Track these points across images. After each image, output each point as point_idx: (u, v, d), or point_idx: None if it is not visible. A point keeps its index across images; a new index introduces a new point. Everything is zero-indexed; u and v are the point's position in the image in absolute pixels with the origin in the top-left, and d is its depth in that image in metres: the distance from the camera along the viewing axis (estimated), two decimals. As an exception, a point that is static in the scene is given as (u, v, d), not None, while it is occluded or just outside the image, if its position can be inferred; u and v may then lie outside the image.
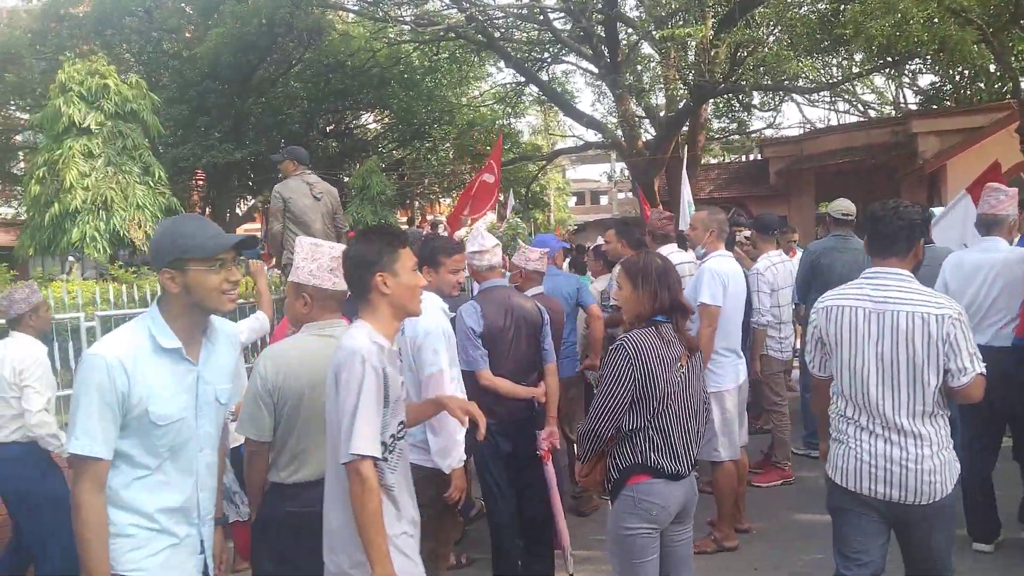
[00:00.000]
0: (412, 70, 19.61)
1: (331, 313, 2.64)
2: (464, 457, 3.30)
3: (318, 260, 2.60)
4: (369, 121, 24.28)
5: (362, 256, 2.28)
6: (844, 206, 5.89)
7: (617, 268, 5.44)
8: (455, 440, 3.18)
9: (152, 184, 11.27)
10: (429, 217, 22.67)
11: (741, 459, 4.45)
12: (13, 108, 18.05)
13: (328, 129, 21.62)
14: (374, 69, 18.16)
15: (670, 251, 5.12)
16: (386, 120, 22.79)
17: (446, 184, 23.39)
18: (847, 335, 2.73)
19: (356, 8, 17.55)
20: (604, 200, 55.31)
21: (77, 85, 10.87)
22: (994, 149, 13.08)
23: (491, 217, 12.34)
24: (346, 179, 18.21)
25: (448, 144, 22.00)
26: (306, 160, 6.48)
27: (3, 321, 4.08)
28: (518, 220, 10.66)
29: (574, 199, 51.51)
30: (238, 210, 20.63)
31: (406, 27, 16.72)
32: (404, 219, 19.64)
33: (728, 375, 4.33)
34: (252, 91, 16.63)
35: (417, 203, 25.63)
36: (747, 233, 6.41)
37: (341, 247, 2.67)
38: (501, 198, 13.20)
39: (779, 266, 5.55)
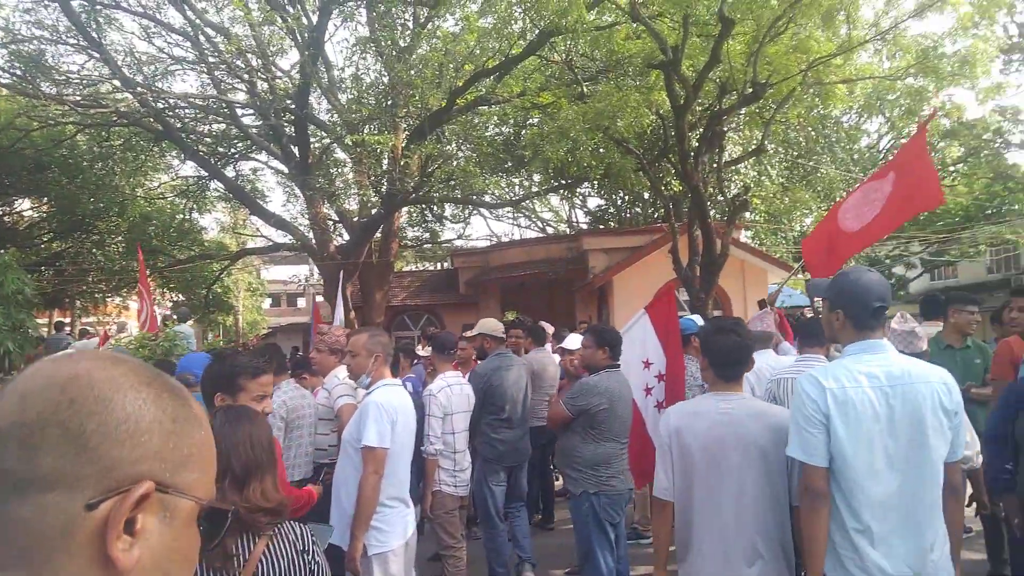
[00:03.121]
0: (77, 155, 17.47)
1: None
2: None
3: None
4: (25, 208, 21.16)
5: None
6: (496, 325, 6.06)
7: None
8: None
9: None
10: (85, 320, 20.02)
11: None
12: None
13: (-31, 216, 18.38)
14: (27, 150, 15.82)
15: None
16: (46, 208, 19.99)
17: (116, 282, 20.87)
18: None
19: (5, 81, 15.19)
20: (302, 303, 53.69)
21: None
22: (652, 266, 14.65)
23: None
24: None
25: (119, 238, 19.72)
26: None
27: None
28: (181, 328, 9.39)
29: (269, 301, 49.36)
30: None
31: (71, 108, 14.75)
32: (43, 321, 16.90)
33: (395, 531, 3.66)
34: None
35: (79, 302, 22.60)
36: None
37: None
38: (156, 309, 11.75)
39: (455, 388, 5.08)
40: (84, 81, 15.79)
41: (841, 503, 2.62)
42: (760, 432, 2.86)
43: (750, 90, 11.18)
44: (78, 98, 14.92)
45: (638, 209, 21.40)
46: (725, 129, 13.63)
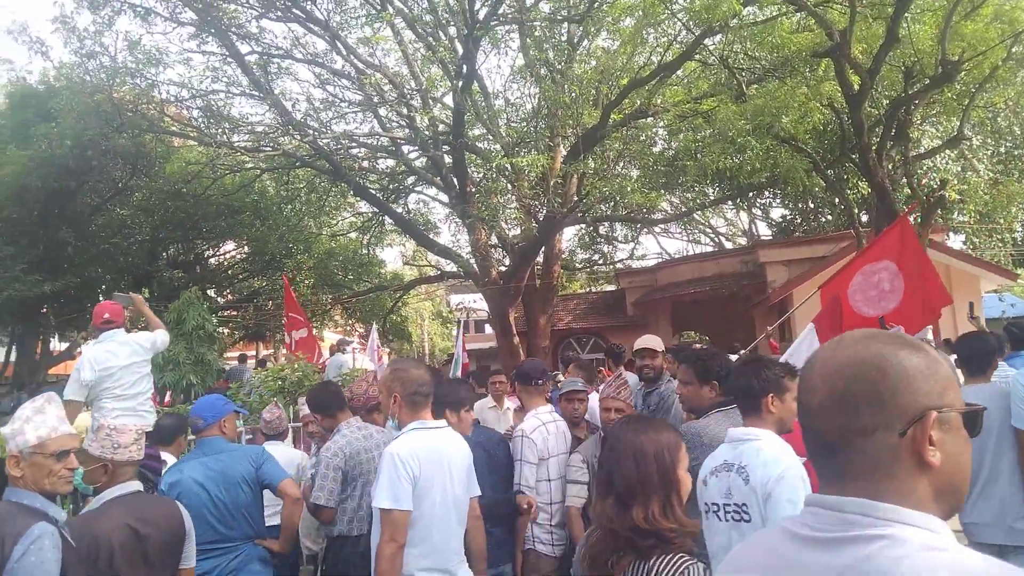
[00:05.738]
0: (267, 198, 18.73)
1: None
2: None
3: None
4: (230, 250, 23.09)
5: None
6: (658, 341, 5.59)
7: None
8: None
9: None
10: (265, 352, 21.34)
11: None
12: None
13: (179, 259, 20.27)
14: (219, 196, 17.14)
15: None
16: (245, 250, 21.71)
17: (309, 314, 22.19)
18: None
19: (185, 133, 16.42)
20: (489, 329, 54.84)
21: None
22: (837, 279, 13.11)
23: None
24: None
25: (308, 274, 20.96)
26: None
27: None
28: (335, 358, 9.46)
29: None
30: (56, 347, 18.61)
31: (242, 153, 15.68)
32: (251, 353, 18.11)
33: None
34: (67, 219, 15.13)
35: (278, 336, 24.24)
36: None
37: None
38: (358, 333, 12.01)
39: (550, 426, 4.19)
40: (263, 128, 16.83)
41: None
42: (1001, 408, 3.90)
43: (939, 72, 9.71)
44: (258, 145, 15.85)
45: (829, 216, 19.56)
46: (914, 119, 12.02)
